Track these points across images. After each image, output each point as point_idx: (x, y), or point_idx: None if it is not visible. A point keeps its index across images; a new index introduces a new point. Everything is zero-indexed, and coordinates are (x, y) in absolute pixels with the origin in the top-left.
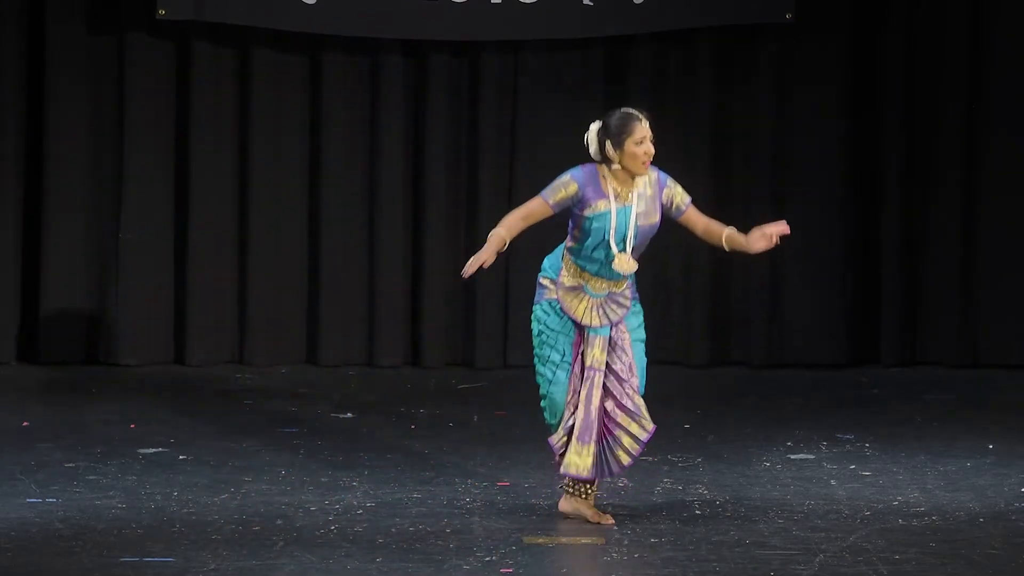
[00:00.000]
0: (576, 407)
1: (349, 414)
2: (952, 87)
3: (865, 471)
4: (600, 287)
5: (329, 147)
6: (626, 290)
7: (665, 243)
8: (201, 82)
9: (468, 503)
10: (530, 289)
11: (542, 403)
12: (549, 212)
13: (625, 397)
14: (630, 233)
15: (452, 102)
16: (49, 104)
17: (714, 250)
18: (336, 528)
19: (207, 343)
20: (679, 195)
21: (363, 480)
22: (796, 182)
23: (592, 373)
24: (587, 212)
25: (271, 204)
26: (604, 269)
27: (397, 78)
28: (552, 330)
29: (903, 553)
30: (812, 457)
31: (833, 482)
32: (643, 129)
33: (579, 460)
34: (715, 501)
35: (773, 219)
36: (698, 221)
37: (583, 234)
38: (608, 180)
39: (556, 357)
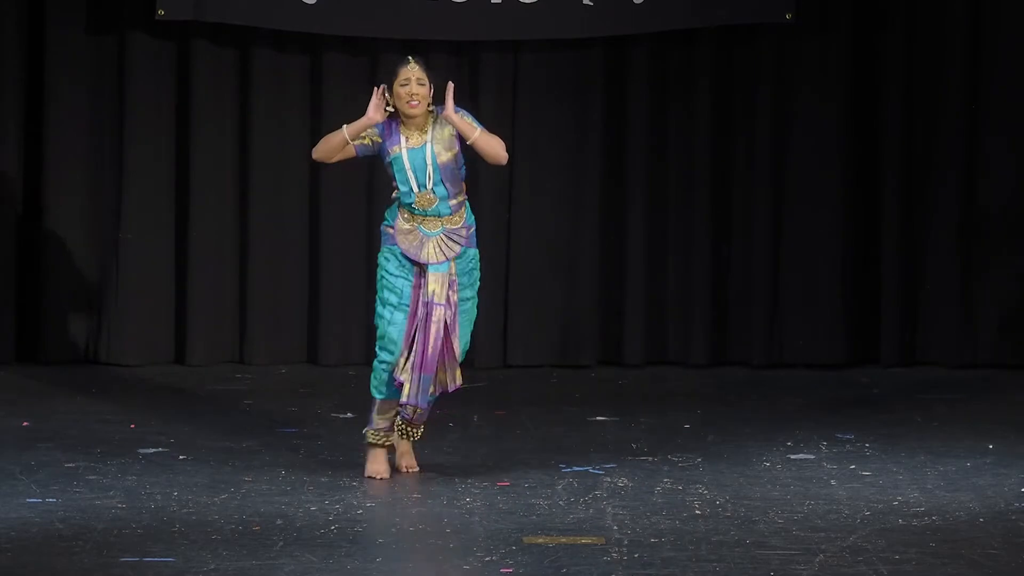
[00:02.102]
0: (414, 343)
1: (349, 414)
2: (952, 87)
3: (865, 471)
4: (432, 225)
5: None
6: (461, 228)
7: (665, 243)
8: (201, 82)
9: (468, 503)
10: (531, 290)
11: (377, 344)
12: (351, 152)
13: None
14: (429, 171)
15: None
16: (49, 104)
17: (714, 250)
18: (336, 528)
19: (207, 343)
20: (468, 125)
21: (363, 480)
22: (796, 182)
23: (432, 307)
24: (388, 158)
25: (271, 204)
26: (419, 209)
27: None
28: (391, 274)
29: (903, 553)
30: (812, 457)
31: (833, 482)
32: (407, 71)
33: (416, 390)
34: (715, 501)
35: (773, 218)
36: (480, 144)
37: (394, 179)
38: (403, 128)
39: (394, 299)
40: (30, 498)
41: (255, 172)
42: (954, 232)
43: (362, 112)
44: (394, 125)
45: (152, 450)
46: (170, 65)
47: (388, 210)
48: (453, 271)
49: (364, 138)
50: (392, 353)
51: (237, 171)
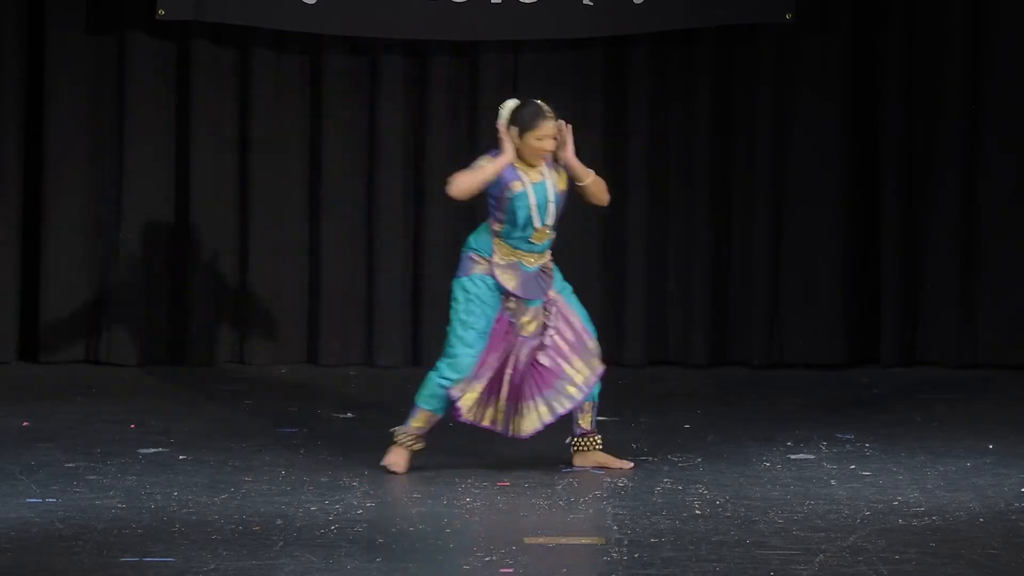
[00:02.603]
0: (500, 375)
1: (349, 414)
2: (952, 87)
3: (865, 471)
4: (532, 261)
5: (329, 147)
6: (550, 262)
7: (665, 243)
8: (201, 82)
9: (468, 503)
10: None
11: (443, 360)
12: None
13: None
14: (551, 208)
15: (452, 102)
16: (49, 104)
17: (714, 250)
18: (336, 528)
19: (208, 343)
20: (581, 168)
21: (363, 480)
22: (796, 182)
23: (523, 343)
24: (507, 193)
25: (271, 204)
26: (532, 244)
27: (397, 78)
28: (483, 301)
29: (903, 553)
30: (812, 457)
31: (833, 482)
32: (547, 128)
33: (475, 409)
34: (715, 501)
35: (773, 218)
36: (591, 186)
37: (508, 215)
38: (517, 164)
39: (480, 325)
40: (30, 498)
41: (255, 172)
42: (954, 232)
43: (362, 112)
44: (512, 164)
45: (152, 450)
46: (170, 65)
47: (475, 237)
48: (551, 296)
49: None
50: (459, 375)
51: (237, 171)
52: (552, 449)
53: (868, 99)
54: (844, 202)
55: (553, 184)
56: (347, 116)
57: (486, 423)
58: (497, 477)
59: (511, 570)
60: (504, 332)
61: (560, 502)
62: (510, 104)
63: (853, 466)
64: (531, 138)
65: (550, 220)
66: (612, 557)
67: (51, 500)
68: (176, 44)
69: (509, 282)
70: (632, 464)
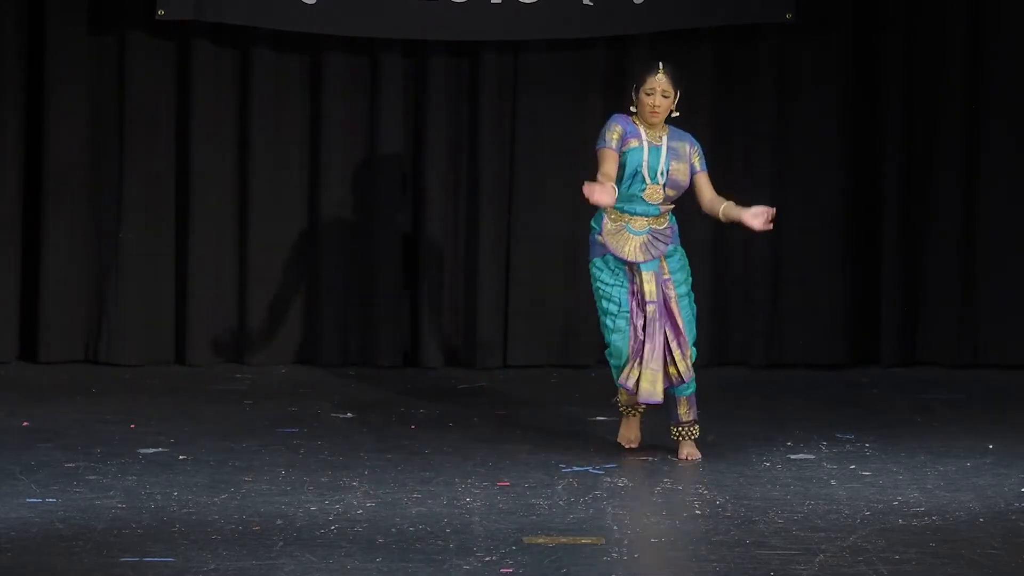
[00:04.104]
0: (643, 343)
1: (349, 414)
2: (952, 87)
3: (865, 471)
4: (640, 224)
5: (329, 147)
6: (667, 228)
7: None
8: (201, 82)
9: (468, 503)
10: (531, 290)
11: (606, 352)
12: (618, 156)
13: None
14: (661, 167)
15: (452, 102)
16: (49, 104)
17: (714, 250)
18: (336, 528)
19: (207, 343)
20: (699, 158)
21: (363, 480)
22: (796, 182)
23: (650, 306)
24: (624, 148)
25: (271, 204)
26: (639, 205)
27: (397, 78)
28: (607, 284)
29: (903, 553)
30: (812, 457)
31: (833, 482)
32: (653, 81)
33: (652, 388)
34: (715, 501)
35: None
36: (706, 189)
37: (621, 171)
38: (639, 124)
39: (613, 308)
40: (30, 498)
41: (255, 172)
42: (954, 232)
43: (362, 112)
44: (626, 117)
45: (152, 450)
46: (170, 65)
47: (594, 219)
48: (666, 270)
49: (615, 136)
50: (619, 359)
51: (237, 171)
52: (552, 449)
53: (868, 99)
54: (844, 202)
55: (669, 155)
56: (347, 116)
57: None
58: (497, 477)
59: (511, 570)
60: (639, 302)
61: (560, 502)
62: None
63: (853, 466)
64: (642, 94)
65: (661, 179)
66: (612, 557)
67: (51, 500)
68: (176, 44)
69: (619, 248)
70: (699, 457)
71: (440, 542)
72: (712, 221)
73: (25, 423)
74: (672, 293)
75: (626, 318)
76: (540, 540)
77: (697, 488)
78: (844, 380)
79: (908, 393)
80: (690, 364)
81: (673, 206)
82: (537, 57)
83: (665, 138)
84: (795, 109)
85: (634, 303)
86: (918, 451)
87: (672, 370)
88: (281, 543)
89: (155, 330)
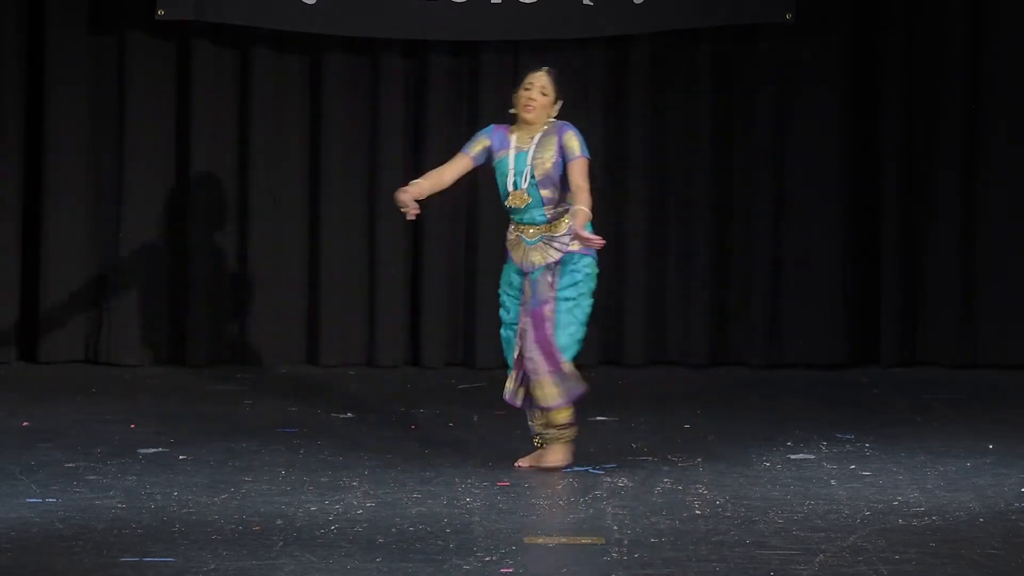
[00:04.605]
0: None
1: (349, 414)
2: (952, 87)
3: (865, 471)
4: (532, 234)
5: (329, 147)
6: (564, 236)
7: (665, 243)
8: (201, 82)
9: (468, 503)
10: None
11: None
12: (470, 163)
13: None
14: (526, 172)
15: (452, 102)
16: (49, 104)
17: (714, 250)
18: (336, 528)
19: (208, 343)
20: (576, 144)
21: (363, 480)
22: (796, 182)
23: (527, 312)
24: (494, 162)
25: (271, 204)
26: (526, 213)
27: (397, 78)
28: (504, 292)
29: (903, 553)
30: (812, 457)
31: (833, 482)
32: (532, 77)
33: (544, 392)
34: (715, 501)
35: (773, 218)
36: (571, 177)
37: (497, 182)
38: (513, 133)
39: (505, 317)
40: (30, 498)
41: (255, 172)
42: (954, 232)
43: (362, 112)
44: (503, 128)
45: (152, 450)
46: (170, 65)
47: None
48: (553, 277)
49: (478, 145)
50: (509, 367)
51: (237, 171)
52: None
53: (868, 99)
54: (844, 202)
55: (537, 154)
56: (347, 116)
57: (519, 402)
58: (497, 477)
59: (511, 570)
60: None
61: (560, 502)
62: None
63: (853, 466)
64: (520, 90)
65: (524, 184)
66: (612, 557)
67: (51, 500)
68: (176, 44)
69: (515, 256)
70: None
71: (440, 542)
72: (711, 221)
73: (25, 423)
74: (552, 296)
75: (513, 330)
76: (540, 540)
77: (697, 488)
78: (844, 380)
79: (908, 393)
80: (554, 387)
81: (566, 209)
82: (537, 57)
83: (537, 137)
84: (795, 109)
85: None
86: (918, 451)
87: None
88: (281, 543)
89: (155, 330)
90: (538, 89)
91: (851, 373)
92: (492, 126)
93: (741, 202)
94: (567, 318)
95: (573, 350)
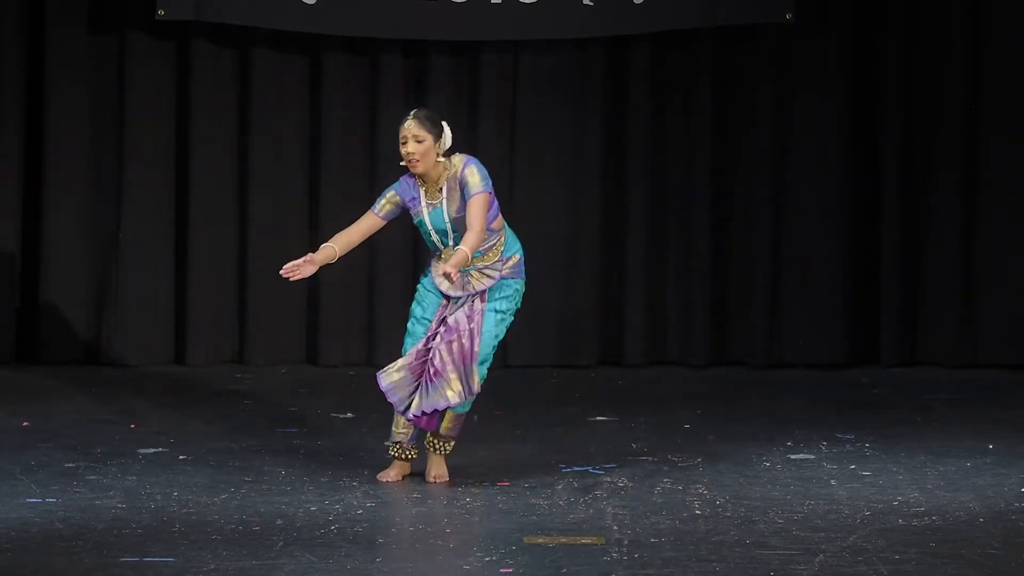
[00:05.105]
0: (424, 358)
1: (349, 414)
2: (952, 87)
3: (865, 471)
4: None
5: (329, 147)
6: (497, 263)
7: (665, 243)
8: (201, 82)
9: (468, 503)
10: (531, 290)
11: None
12: (379, 222)
13: (458, 356)
14: (447, 229)
15: (452, 102)
16: (49, 104)
17: (714, 250)
18: (336, 528)
19: (207, 343)
20: (473, 184)
21: (363, 480)
22: (796, 182)
23: (448, 325)
24: (414, 220)
25: (271, 204)
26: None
27: (397, 78)
28: (425, 288)
29: (903, 553)
30: (812, 457)
31: (833, 482)
32: (403, 129)
33: (448, 390)
34: (715, 501)
35: (773, 218)
36: (468, 214)
37: (423, 237)
38: (420, 183)
39: (418, 312)
40: (30, 498)
41: (255, 172)
42: (954, 232)
43: (362, 112)
44: (412, 181)
45: (152, 450)
46: (170, 65)
47: None
48: (483, 300)
49: (388, 204)
50: (401, 355)
51: (237, 171)
52: (552, 449)
53: (868, 99)
54: (844, 202)
55: (448, 205)
56: (347, 116)
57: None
58: (497, 477)
59: (511, 570)
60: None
61: (560, 502)
62: None
63: (853, 466)
64: (400, 146)
65: (450, 241)
66: (612, 557)
67: (51, 500)
68: (176, 44)
69: (440, 281)
70: (447, 480)
71: (440, 542)
72: (711, 220)
73: (25, 423)
74: (479, 307)
75: (425, 325)
76: (540, 540)
77: (697, 488)
78: (844, 380)
79: (908, 393)
80: (470, 385)
81: (497, 237)
82: (537, 57)
83: (444, 188)
84: (795, 109)
85: (441, 318)
86: (918, 451)
87: (449, 388)
88: (281, 543)
89: (155, 330)
90: (412, 140)
91: (851, 373)
92: (401, 179)
93: (741, 202)
94: (492, 330)
95: (488, 364)
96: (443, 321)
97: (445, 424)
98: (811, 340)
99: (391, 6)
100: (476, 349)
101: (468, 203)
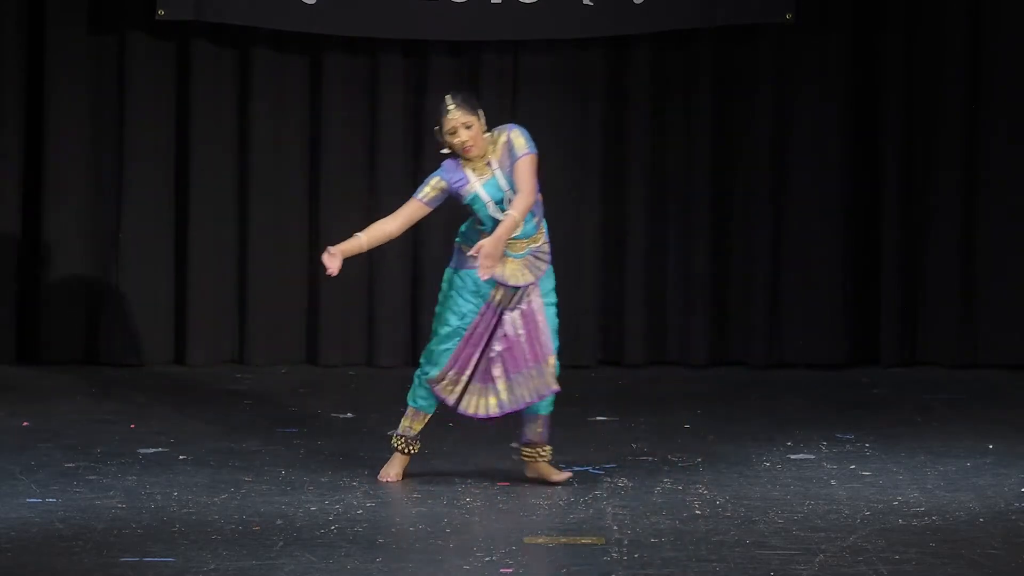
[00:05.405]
0: (467, 361)
1: (349, 414)
2: (952, 87)
3: (865, 471)
4: (519, 247)
5: (329, 147)
6: (544, 244)
7: (665, 243)
8: (201, 82)
9: (468, 503)
10: None
11: (423, 356)
12: (424, 209)
13: (523, 363)
14: (507, 196)
15: None
16: (49, 104)
17: (714, 250)
18: (336, 528)
19: (207, 343)
20: (519, 145)
21: (363, 480)
22: (796, 182)
23: (505, 316)
24: (464, 200)
25: (271, 204)
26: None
27: (397, 78)
28: (463, 297)
29: (903, 553)
30: (812, 457)
31: (833, 482)
32: (449, 121)
33: (482, 400)
34: (715, 501)
35: (773, 219)
36: (516, 174)
37: (476, 215)
38: (465, 164)
39: (454, 322)
40: (30, 498)
41: (255, 172)
42: (954, 232)
43: (362, 112)
44: (455, 163)
45: (152, 450)
46: (170, 65)
47: (467, 226)
48: (537, 287)
49: (432, 190)
50: (436, 367)
51: (237, 171)
52: (553, 449)
53: (868, 99)
54: (844, 202)
55: (503, 173)
56: (347, 116)
57: (451, 398)
58: (497, 477)
59: (511, 570)
60: (487, 323)
61: (560, 502)
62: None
63: (853, 466)
64: (447, 136)
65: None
66: (612, 557)
67: (51, 500)
68: (176, 44)
69: (499, 273)
70: (570, 474)
71: (440, 542)
72: (711, 220)
73: (25, 423)
74: (538, 302)
75: (461, 336)
76: (540, 540)
77: (697, 488)
78: (844, 380)
79: (908, 393)
80: (550, 383)
81: (542, 214)
82: (537, 57)
83: (492, 160)
84: (795, 109)
85: (477, 325)
86: (918, 451)
87: (528, 387)
88: (281, 543)
89: (155, 330)
90: (462, 129)
91: (851, 373)
92: (444, 164)
93: (741, 202)
94: (553, 322)
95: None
96: (497, 325)
97: (536, 429)
98: (811, 340)
99: (391, 6)
100: (545, 349)
101: (515, 165)
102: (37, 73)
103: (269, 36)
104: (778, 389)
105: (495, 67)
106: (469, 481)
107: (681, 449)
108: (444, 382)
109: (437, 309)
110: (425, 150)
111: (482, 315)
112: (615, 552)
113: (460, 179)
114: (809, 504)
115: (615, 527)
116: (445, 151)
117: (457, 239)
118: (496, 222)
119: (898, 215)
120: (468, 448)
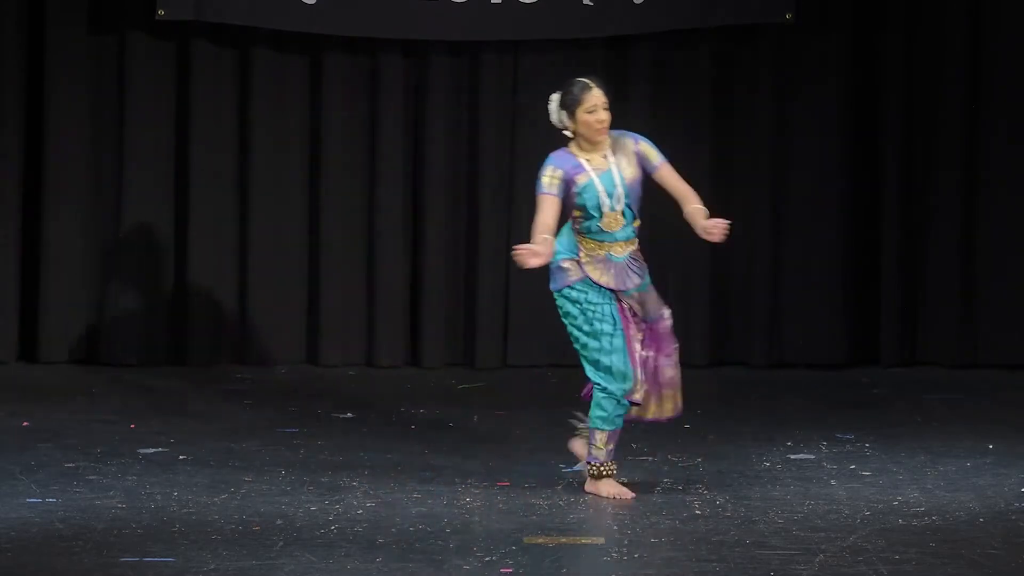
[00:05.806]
0: (644, 361)
1: (349, 414)
2: (952, 87)
3: (865, 471)
4: (620, 251)
5: (329, 147)
6: (637, 252)
7: (665, 243)
8: (201, 82)
9: (468, 503)
10: (531, 290)
11: (600, 378)
12: (559, 201)
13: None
14: (619, 191)
15: (452, 102)
16: (49, 104)
17: (714, 249)
18: (336, 528)
19: (208, 343)
20: (652, 152)
21: (363, 480)
22: (796, 182)
23: (644, 325)
24: (575, 188)
25: (271, 204)
26: (611, 233)
27: (397, 78)
28: (595, 303)
29: (903, 553)
30: (812, 457)
31: (833, 482)
32: (593, 97)
33: (664, 406)
34: (715, 501)
35: (773, 218)
36: (671, 183)
37: (582, 208)
38: (579, 154)
39: (608, 327)
40: (30, 498)
41: (255, 172)
42: (954, 232)
43: (362, 112)
44: (564, 153)
45: (152, 450)
46: (170, 65)
47: (560, 242)
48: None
49: (553, 179)
50: (626, 380)
51: (237, 171)
52: (552, 449)
53: (868, 99)
54: (844, 202)
55: (620, 170)
56: (347, 116)
57: (649, 416)
58: (497, 477)
59: (511, 570)
60: (630, 321)
61: (560, 502)
62: (555, 96)
63: (853, 466)
64: (582, 113)
65: (619, 205)
66: (612, 557)
67: (51, 500)
68: (176, 44)
69: (601, 277)
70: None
71: (440, 542)
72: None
73: (25, 423)
74: (667, 319)
75: (622, 336)
76: (540, 540)
77: (697, 488)
78: (844, 380)
79: (908, 393)
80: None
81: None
82: (537, 57)
83: (609, 155)
84: (795, 109)
85: (627, 319)
86: (918, 451)
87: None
88: (281, 543)
89: (156, 330)
90: (602, 108)
91: (851, 373)
92: (554, 154)
93: (741, 202)
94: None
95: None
96: (651, 329)
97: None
98: (811, 340)
99: (391, 6)
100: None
101: (660, 174)
102: (37, 73)
103: (269, 36)
104: (778, 389)
105: (495, 67)
106: (469, 481)
107: (681, 449)
108: (640, 392)
109: (579, 335)
110: (425, 150)
111: (622, 313)
112: (615, 552)
113: (575, 166)
114: (809, 504)
115: (615, 527)
116: (567, 132)
117: (558, 259)
118: (602, 212)
119: (898, 215)
120: (468, 448)
